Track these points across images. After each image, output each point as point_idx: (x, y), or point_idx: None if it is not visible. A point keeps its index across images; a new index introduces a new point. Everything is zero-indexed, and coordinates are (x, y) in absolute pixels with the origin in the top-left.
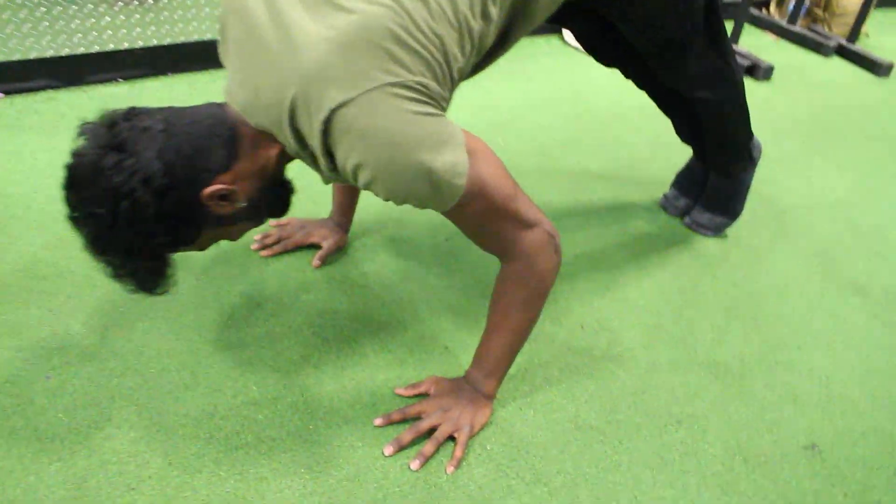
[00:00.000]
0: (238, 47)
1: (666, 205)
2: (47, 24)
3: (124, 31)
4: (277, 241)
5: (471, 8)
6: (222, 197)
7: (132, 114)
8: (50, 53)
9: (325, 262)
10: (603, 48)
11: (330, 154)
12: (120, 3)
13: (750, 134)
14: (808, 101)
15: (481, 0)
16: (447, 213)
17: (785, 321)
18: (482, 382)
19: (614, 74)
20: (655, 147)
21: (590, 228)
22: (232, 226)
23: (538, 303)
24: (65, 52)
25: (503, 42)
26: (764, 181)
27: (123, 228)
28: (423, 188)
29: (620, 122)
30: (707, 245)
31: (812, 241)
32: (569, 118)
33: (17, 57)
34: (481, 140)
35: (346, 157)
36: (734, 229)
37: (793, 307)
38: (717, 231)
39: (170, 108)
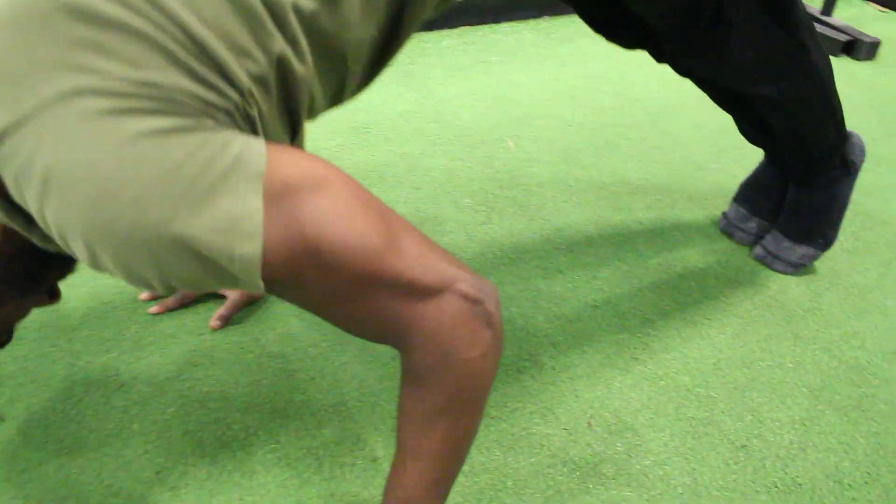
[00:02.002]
0: None
1: (729, 229)
2: None
3: None
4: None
5: None
6: None
7: None
8: None
9: (229, 321)
10: (609, 23)
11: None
12: None
13: (843, 135)
14: None
15: None
16: (277, 294)
17: None
18: None
19: None
20: (721, 149)
21: (620, 264)
22: None
23: (470, 410)
24: None
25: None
26: (867, 191)
27: None
28: (191, 269)
29: (674, 115)
30: (787, 287)
31: None
32: (606, 112)
33: None
34: (332, 166)
35: (47, 217)
36: (826, 263)
37: None
38: (800, 266)
39: None
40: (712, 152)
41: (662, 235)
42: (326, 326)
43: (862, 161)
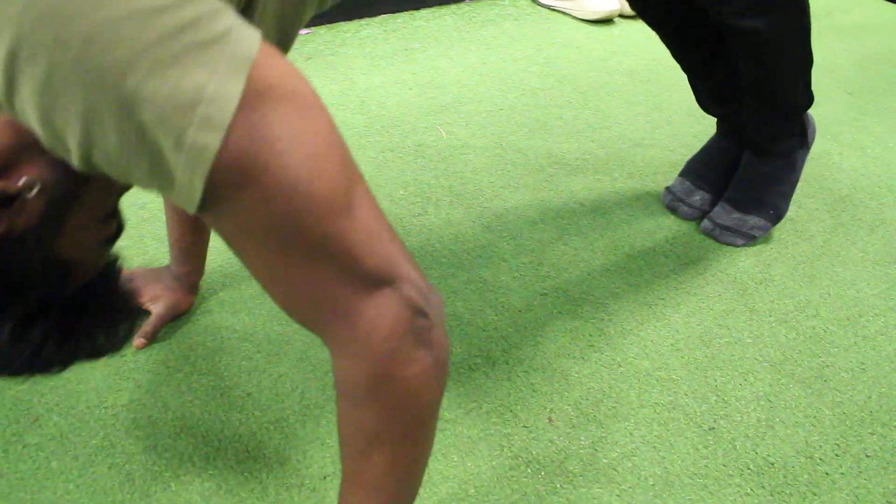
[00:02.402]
0: None
1: (673, 204)
2: None
3: None
4: None
5: None
6: None
7: None
8: None
9: (155, 338)
10: None
11: None
12: None
13: (810, 96)
14: (846, 50)
15: None
16: (205, 217)
17: (868, 374)
18: None
19: (595, 34)
20: (655, 125)
21: (565, 248)
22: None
23: (413, 435)
24: None
25: None
26: (808, 158)
27: None
28: (125, 143)
29: (606, 92)
30: (738, 260)
31: (889, 239)
32: (536, 94)
33: None
34: (311, 87)
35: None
36: (772, 233)
37: (877, 349)
38: (751, 237)
39: None
40: (647, 129)
41: (606, 215)
42: (260, 337)
43: (813, 138)
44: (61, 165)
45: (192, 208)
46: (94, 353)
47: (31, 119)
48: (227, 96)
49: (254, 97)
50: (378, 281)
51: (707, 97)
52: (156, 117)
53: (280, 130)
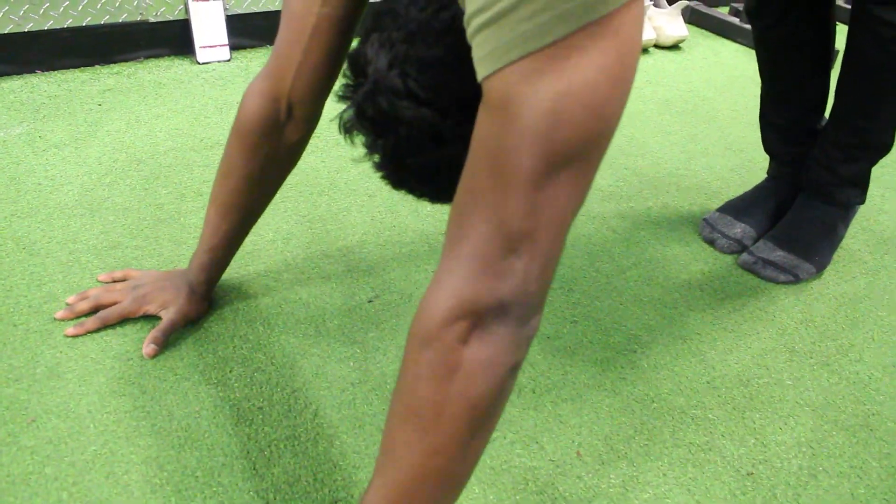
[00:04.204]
0: None
1: (711, 235)
2: None
3: None
4: (96, 309)
5: None
6: None
7: None
8: None
9: (165, 345)
10: None
11: None
12: None
13: (894, 135)
14: None
15: None
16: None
17: None
18: None
19: None
20: (691, 156)
21: (597, 275)
22: None
23: (451, 416)
24: None
25: None
26: None
27: None
28: None
29: (640, 120)
30: (777, 299)
31: None
32: None
33: None
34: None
35: None
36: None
37: None
38: (795, 276)
39: None
40: (682, 159)
41: (639, 244)
42: (275, 349)
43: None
44: None
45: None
46: None
47: None
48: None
49: (597, 33)
50: (513, 249)
51: (778, 131)
52: None
53: (578, 79)
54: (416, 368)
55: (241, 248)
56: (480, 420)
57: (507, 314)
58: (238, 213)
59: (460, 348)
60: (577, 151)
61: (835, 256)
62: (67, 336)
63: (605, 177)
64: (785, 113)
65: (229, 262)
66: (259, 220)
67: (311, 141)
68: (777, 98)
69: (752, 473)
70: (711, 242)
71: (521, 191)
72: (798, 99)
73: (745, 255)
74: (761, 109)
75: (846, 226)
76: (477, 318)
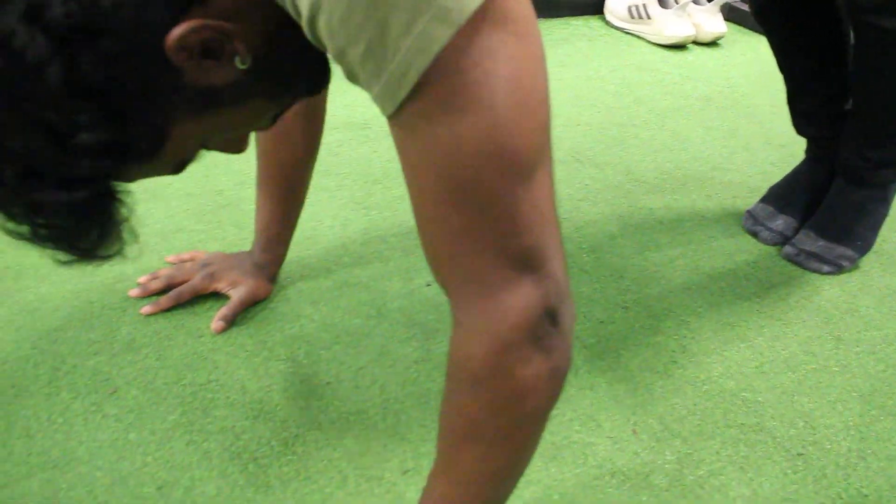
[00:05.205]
0: None
1: (754, 227)
2: None
3: None
4: (168, 288)
5: None
6: (207, 49)
7: None
8: None
9: (233, 322)
10: None
11: None
12: None
13: None
14: None
15: None
16: (393, 127)
17: None
18: None
19: (670, 59)
20: (733, 150)
21: (646, 264)
22: (227, 110)
23: (514, 439)
24: None
25: None
26: None
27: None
28: (354, 10)
29: (682, 115)
30: (822, 288)
31: None
32: (612, 112)
33: None
34: (539, 36)
35: None
36: (859, 262)
37: None
38: (839, 266)
39: None
40: (724, 153)
41: (685, 234)
42: (339, 328)
43: None
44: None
45: (391, 107)
46: (76, 246)
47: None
48: (468, 5)
49: (486, 19)
50: (526, 264)
51: (805, 116)
52: None
53: (501, 62)
54: (477, 404)
55: (300, 233)
56: (545, 423)
57: (552, 318)
58: (279, 190)
59: (524, 372)
60: (533, 149)
61: (878, 248)
62: (143, 314)
63: (650, 169)
64: (808, 99)
65: (288, 241)
66: (316, 206)
67: (362, 132)
68: (796, 89)
69: (802, 454)
70: (755, 234)
71: (499, 209)
72: (817, 89)
73: (787, 248)
74: (787, 95)
75: (887, 202)
76: (529, 336)
